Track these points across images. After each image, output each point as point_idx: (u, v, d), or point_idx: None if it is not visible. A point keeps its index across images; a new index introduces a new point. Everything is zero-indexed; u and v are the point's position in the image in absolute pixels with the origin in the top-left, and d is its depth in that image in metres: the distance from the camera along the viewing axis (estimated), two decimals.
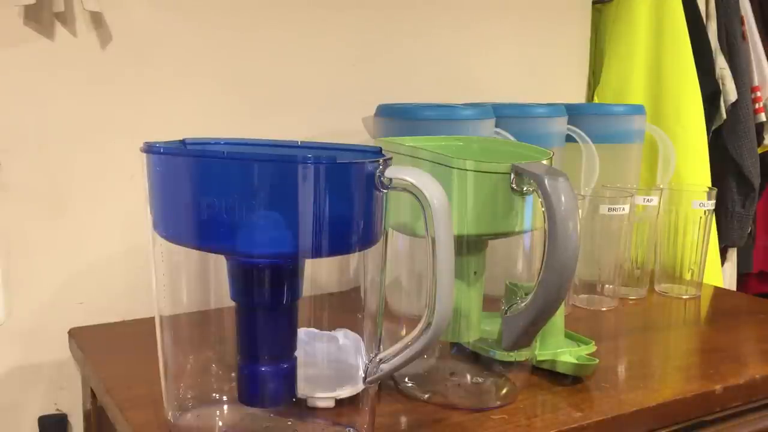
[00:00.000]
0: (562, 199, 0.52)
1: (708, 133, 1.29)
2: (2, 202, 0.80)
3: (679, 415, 0.66)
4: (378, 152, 0.53)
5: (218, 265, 0.52)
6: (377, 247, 0.51)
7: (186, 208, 0.47)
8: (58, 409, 0.86)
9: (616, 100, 1.25)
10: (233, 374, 0.53)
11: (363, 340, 0.55)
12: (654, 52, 1.28)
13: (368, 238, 0.50)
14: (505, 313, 0.57)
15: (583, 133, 0.95)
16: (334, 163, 0.46)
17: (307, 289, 0.52)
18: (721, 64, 1.40)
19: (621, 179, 1.00)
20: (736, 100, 1.41)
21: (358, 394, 0.59)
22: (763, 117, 1.51)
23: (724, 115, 1.40)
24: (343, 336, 0.62)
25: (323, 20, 0.95)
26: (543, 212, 0.53)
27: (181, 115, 0.87)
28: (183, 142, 0.56)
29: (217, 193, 0.46)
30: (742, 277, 1.57)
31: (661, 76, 1.27)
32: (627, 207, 0.90)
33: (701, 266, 0.99)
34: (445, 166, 0.57)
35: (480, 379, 0.68)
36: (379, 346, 0.54)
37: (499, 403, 0.64)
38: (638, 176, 1.08)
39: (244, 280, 0.50)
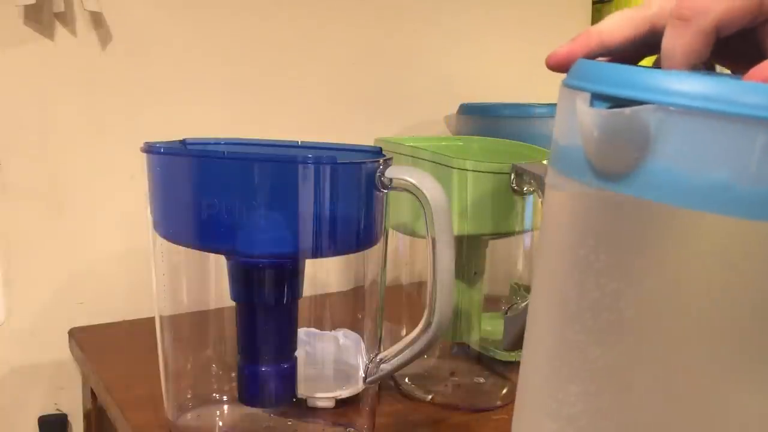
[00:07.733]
0: None
1: None
2: (2, 202, 0.80)
3: None
4: (378, 152, 0.53)
5: (218, 265, 0.52)
6: (377, 247, 0.51)
7: (186, 208, 0.47)
8: (58, 409, 0.85)
9: None
10: (233, 374, 0.53)
11: (363, 340, 0.55)
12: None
13: (368, 238, 0.50)
14: (506, 313, 0.57)
15: None
16: (335, 163, 0.46)
17: (307, 289, 0.52)
18: None
19: None
20: None
21: (358, 395, 0.58)
22: None
23: None
24: (343, 336, 0.62)
25: (323, 20, 0.95)
26: (543, 212, 0.53)
27: (181, 115, 0.87)
28: (183, 142, 0.56)
29: (217, 193, 0.45)
30: None
31: None
32: None
33: None
34: (445, 166, 0.57)
35: (481, 379, 0.68)
36: (379, 346, 0.54)
37: (499, 403, 0.64)
38: None
39: (244, 280, 0.50)
